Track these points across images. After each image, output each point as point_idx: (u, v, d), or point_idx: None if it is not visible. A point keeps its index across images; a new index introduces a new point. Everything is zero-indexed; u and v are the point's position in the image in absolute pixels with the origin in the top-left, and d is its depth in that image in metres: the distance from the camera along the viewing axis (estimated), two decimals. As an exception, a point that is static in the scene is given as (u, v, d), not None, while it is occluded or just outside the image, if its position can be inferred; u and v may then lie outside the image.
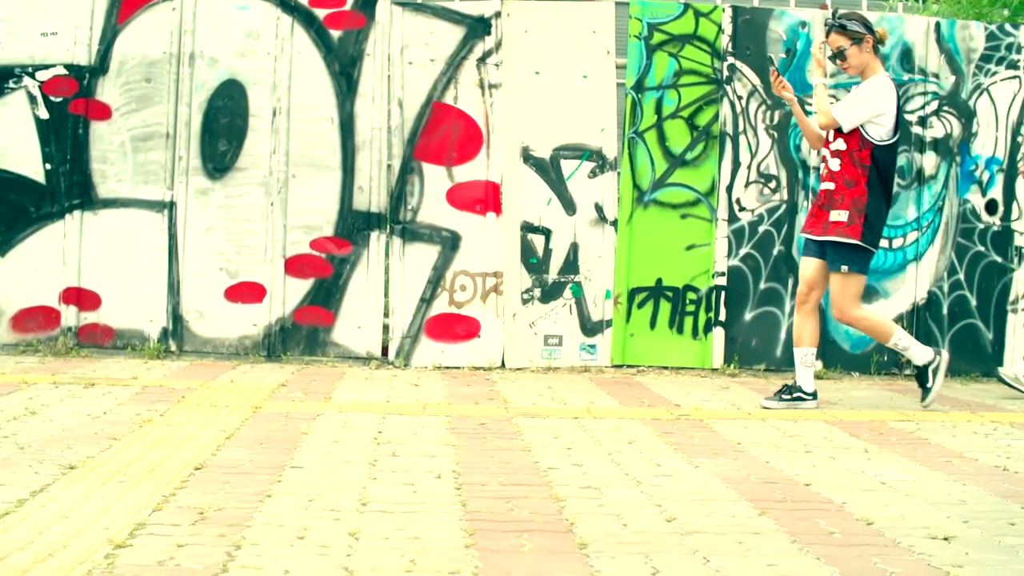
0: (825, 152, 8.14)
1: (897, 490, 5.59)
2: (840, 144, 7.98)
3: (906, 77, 9.98)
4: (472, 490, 5.25)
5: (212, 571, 3.91)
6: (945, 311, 10.05)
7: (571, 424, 7.19)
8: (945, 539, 4.65)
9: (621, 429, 7.06)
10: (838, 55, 8.03)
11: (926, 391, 8.20)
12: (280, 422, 6.89)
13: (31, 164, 9.73)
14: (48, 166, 9.73)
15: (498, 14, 9.85)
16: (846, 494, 5.45)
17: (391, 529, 4.51)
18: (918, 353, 8.19)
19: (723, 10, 10.02)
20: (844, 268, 7.98)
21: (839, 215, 7.93)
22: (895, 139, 8.01)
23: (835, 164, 8.00)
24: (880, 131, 7.91)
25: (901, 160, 9.81)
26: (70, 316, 9.72)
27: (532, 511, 4.89)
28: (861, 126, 7.91)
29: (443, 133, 9.81)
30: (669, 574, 4.08)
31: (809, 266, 8.19)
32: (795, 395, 8.11)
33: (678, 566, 4.17)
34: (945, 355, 8.22)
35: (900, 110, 8.06)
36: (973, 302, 10.06)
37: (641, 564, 4.17)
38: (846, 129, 7.91)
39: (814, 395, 8.13)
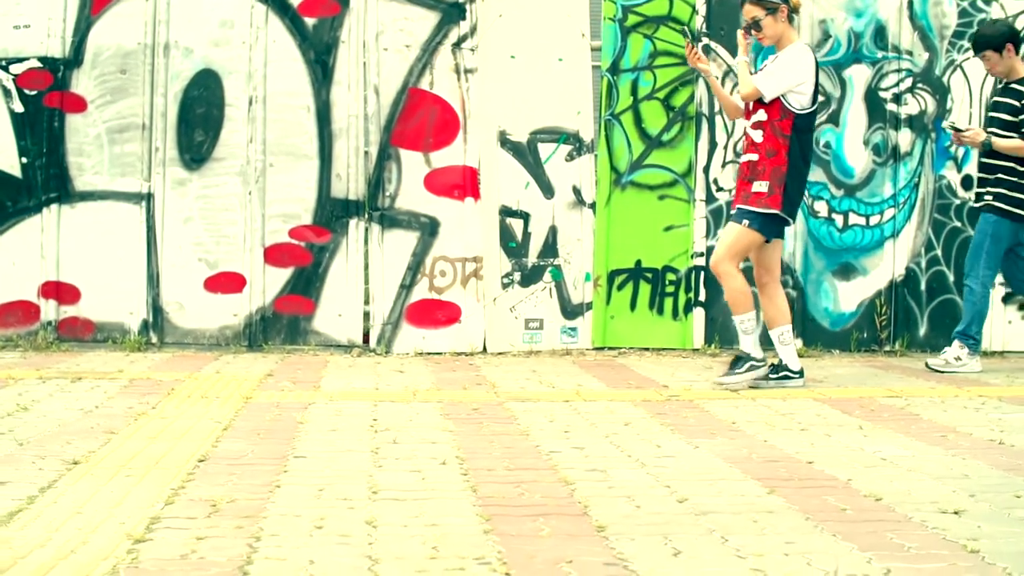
0: (746, 124, 8.12)
1: (899, 466, 5.61)
2: (761, 115, 7.96)
3: (880, 55, 10.03)
4: (480, 476, 5.25)
5: (236, 563, 3.89)
6: (923, 287, 10.11)
7: (563, 408, 7.20)
8: (955, 513, 4.68)
9: (614, 411, 7.08)
10: (753, 25, 8.01)
11: (730, 373, 8.11)
12: (274, 412, 6.88)
13: (7, 158, 9.69)
14: (24, 160, 9.69)
15: (472, -1, 9.85)
16: (850, 471, 5.47)
17: (407, 517, 4.51)
18: (750, 345, 8.11)
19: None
20: (746, 222, 7.95)
21: (760, 186, 7.91)
22: (815, 108, 8.03)
23: (757, 135, 7.98)
24: (801, 100, 7.91)
25: (877, 137, 9.88)
26: (50, 310, 9.68)
27: (544, 495, 4.90)
28: (782, 96, 7.89)
29: (420, 119, 9.81)
30: (691, 554, 4.09)
31: (757, 249, 8.17)
32: (781, 374, 8.11)
33: (698, 546, 4.18)
34: (767, 368, 8.13)
35: (818, 78, 8.05)
36: (951, 277, 10.11)
37: (661, 545, 4.18)
38: (768, 99, 7.87)
39: (800, 372, 8.14)
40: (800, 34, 9.76)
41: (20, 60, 9.70)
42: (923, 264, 10.03)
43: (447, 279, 9.80)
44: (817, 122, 8.61)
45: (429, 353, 9.71)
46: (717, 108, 9.90)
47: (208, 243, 9.73)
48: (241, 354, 9.52)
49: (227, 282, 9.73)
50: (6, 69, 9.67)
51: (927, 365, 9.09)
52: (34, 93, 9.69)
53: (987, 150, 9.00)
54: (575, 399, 7.56)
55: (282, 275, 9.77)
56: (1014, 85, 8.97)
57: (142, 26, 9.73)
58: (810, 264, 9.96)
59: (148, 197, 9.72)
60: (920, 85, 10.08)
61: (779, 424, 6.73)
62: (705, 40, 9.93)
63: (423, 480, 5.18)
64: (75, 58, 9.71)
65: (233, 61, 9.76)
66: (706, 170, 9.91)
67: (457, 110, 9.77)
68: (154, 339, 9.69)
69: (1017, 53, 9.01)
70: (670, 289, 9.98)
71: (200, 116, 9.76)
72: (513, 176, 9.85)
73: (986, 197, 9.01)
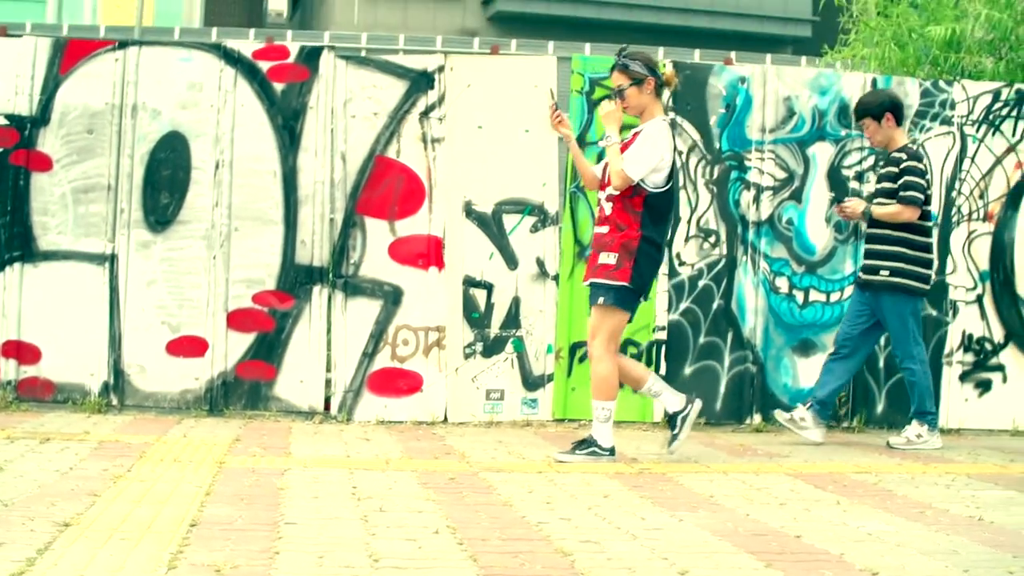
0: (600, 196, 8.12)
1: (886, 541, 5.66)
2: (613, 189, 7.96)
3: (843, 133, 10.15)
4: (476, 545, 5.25)
5: (255, 629, 3.88)
6: (882, 364, 10.21)
7: (539, 479, 7.21)
8: (955, 590, 4.73)
9: (591, 484, 7.09)
10: (618, 93, 8.07)
11: (674, 437, 8.16)
12: (251, 478, 6.85)
13: (-30, 216, 9.61)
14: (-13, 218, 9.61)
15: (441, 68, 9.91)
16: (839, 545, 5.52)
17: (414, 585, 4.51)
18: (671, 400, 8.18)
19: (664, 65, 10.12)
20: (600, 300, 7.92)
21: (608, 257, 7.88)
22: (669, 186, 8.01)
23: (608, 208, 7.97)
24: (656, 178, 7.90)
25: (838, 215, 9.97)
26: (10, 369, 9.59)
27: (544, 566, 4.91)
28: None
29: (386, 187, 9.83)
30: (707, 627, 4.11)
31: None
32: (589, 449, 8.01)
33: (711, 619, 4.20)
34: (697, 404, 8.21)
35: (676, 156, 8.11)
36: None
37: (675, 618, 4.19)
38: (635, 181, 7.84)
39: (611, 451, 8.03)
40: (765, 110, 9.93)
41: (-14, 117, 9.64)
42: (882, 341, 10.11)
43: (409, 348, 9.80)
44: (673, 201, 8.48)
45: (391, 421, 9.69)
46: (681, 183, 9.98)
47: (171, 306, 9.69)
48: (203, 418, 9.46)
49: (189, 346, 9.68)
50: (-29, 126, 9.61)
51: (888, 444, 9.18)
52: (0, 150, 9.62)
53: (869, 221, 9.18)
54: (548, 470, 7.57)
55: (244, 340, 9.73)
56: (894, 154, 9.16)
57: (110, 86, 9.71)
58: (770, 340, 10.04)
59: (112, 258, 9.67)
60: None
61: (756, 498, 6.76)
62: (671, 115, 10.00)
63: (420, 549, 5.17)
64: (42, 116, 9.66)
65: (201, 124, 9.75)
66: (669, 244, 9.96)
67: (423, 179, 9.80)
68: (115, 401, 9.62)
69: (898, 124, 9.20)
70: (631, 362, 10.00)
71: (166, 178, 9.73)
72: (477, 246, 9.89)
73: (880, 272, 9.12)
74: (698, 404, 8.24)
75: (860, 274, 9.39)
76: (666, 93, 8.37)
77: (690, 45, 20.59)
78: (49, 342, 9.65)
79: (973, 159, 10.34)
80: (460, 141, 9.86)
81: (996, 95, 10.39)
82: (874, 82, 10.29)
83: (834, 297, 10.16)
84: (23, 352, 9.62)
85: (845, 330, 9.36)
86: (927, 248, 9.26)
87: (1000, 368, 10.35)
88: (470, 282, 9.89)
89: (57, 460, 7.20)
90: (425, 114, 9.84)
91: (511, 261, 9.90)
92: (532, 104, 9.81)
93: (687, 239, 10.06)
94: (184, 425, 9.05)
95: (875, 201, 9.21)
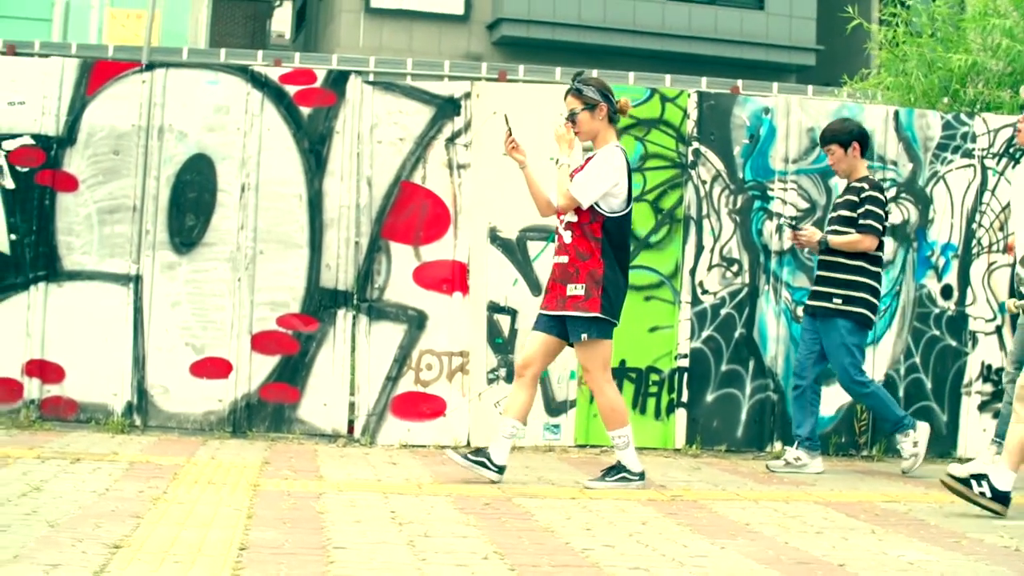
0: (558, 225, 8.12)
1: (929, 570, 5.68)
2: (572, 216, 7.92)
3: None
4: (527, 571, 5.27)
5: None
6: (901, 393, 10.24)
7: (573, 505, 7.23)
8: (1010, 621, 4.75)
9: (625, 511, 7.11)
10: (570, 117, 8.09)
11: (602, 480, 8.05)
12: (288, 501, 6.86)
13: (-5, 235, 9.63)
14: (13, 236, 9.64)
15: (468, 95, 9.95)
16: (884, 573, 5.54)
17: (477, 610, 4.52)
18: (628, 458, 8.07)
19: (688, 95, 10.20)
20: (584, 336, 7.93)
21: (576, 289, 7.89)
22: (627, 210, 8.03)
23: (567, 236, 7.97)
24: (612, 203, 7.93)
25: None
26: (33, 389, 9.60)
27: (601, 593, 4.93)
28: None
29: (411, 212, 9.86)
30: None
31: (534, 341, 8.14)
32: (479, 460, 8.01)
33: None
34: (645, 482, 8.08)
35: (631, 181, 8.10)
36: (928, 385, 10.27)
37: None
38: (585, 206, 7.87)
39: (501, 470, 8.00)
40: (788, 140, 9.98)
41: (13, 136, 9.68)
42: (902, 371, 10.18)
43: (433, 372, 9.82)
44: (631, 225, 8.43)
45: (413, 445, 9.70)
46: (705, 212, 10.03)
47: (195, 328, 9.71)
48: (226, 440, 9.47)
49: (213, 367, 9.70)
50: (-1, 145, 9.65)
51: (768, 466, 9.29)
52: (26, 170, 9.67)
53: (825, 249, 9.18)
54: (580, 496, 7.59)
55: (268, 362, 9.76)
56: (855, 184, 9.20)
57: (137, 108, 9.75)
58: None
59: (136, 279, 9.69)
60: (904, 195, 10.28)
61: (792, 526, 6.78)
62: (696, 144, 10.06)
63: (473, 574, 5.18)
64: (68, 137, 9.70)
65: (227, 147, 9.79)
66: (692, 272, 10.02)
67: (448, 205, 9.84)
68: (138, 421, 9.63)
69: (863, 155, 9.24)
70: (653, 389, 10.05)
71: (192, 200, 9.77)
72: (502, 272, 9.92)
73: (833, 300, 9.14)
74: (644, 483, 8.09)
75: (809, 301, 9.41)
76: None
77: (695, 73, 20.69)
78: (73, 362, 9.66)
79: (993, 192, 10.40)
80: (485, 167, 9.90)
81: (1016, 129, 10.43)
82: (896, 115, 10.35)
83: (855, 326, 10.17)
84: (47, 371, 9.63)
85: (800, 361, 9.39)
86: (879, 279, 9.27)
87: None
88: (494, 308, 9.92)
89: (91, 481, 7.21)
90: (451, 140, 9.88)
91: (535, 287, 9.92)
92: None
93: (710, 268, 10.10)
94: (210, 447, 9.06)
95: (829, 229, 9.23)
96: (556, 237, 8.17)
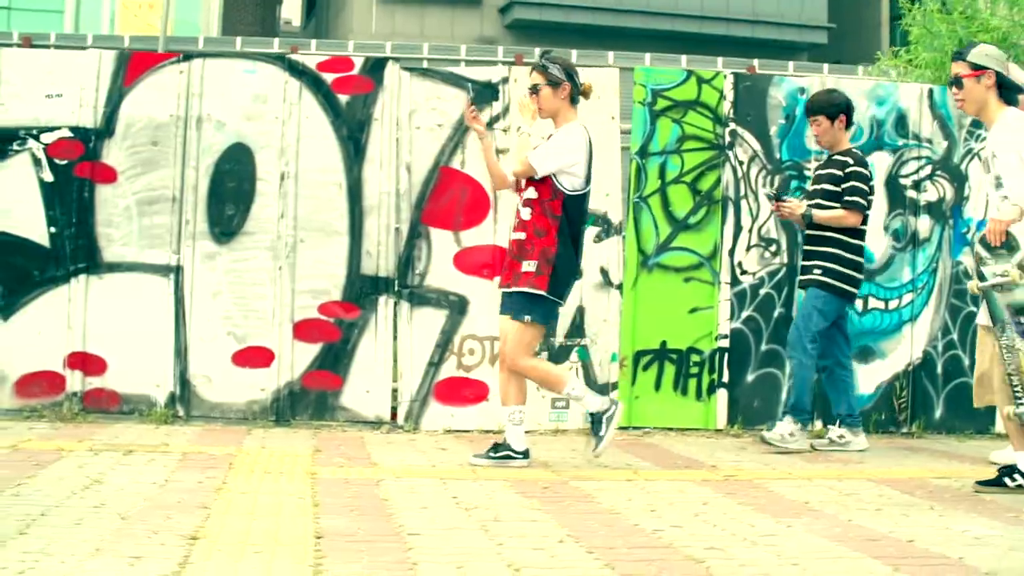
0: (518, 201, 8.12)
1: (997, 544, 5.70)
2: (532, 193, 7.95)
3: (901, 142, 10.21)
4: (605, 554, 5.28)
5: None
6: (940, 370, 10.26)
7: (631, 487, 7.25)
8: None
9: (684, 491, 7.13)
10: (532, 90, 8.10)
11: (599, 439, 7.99)
12: (349, 489, 6.88)
13: (36, 227, 9.65)
14: (53, 229, 9.66)
15: (505, 80, 9.96)
16: (954, 549, 5.55)
17: (567, 594, 4.54)
18: (593, 401, 8.07)
19: (724, 77, 10.21)
20: (527, 318, 7.92)
21: (529, 265, 7.89)
22: (587, 190, 8.05)
23: (526, 213, 7.98)
24: (573, 181, 7.95)
25: (896, 223, 10.05)
26: (75, 381, 9.62)
27: (683, 573, 4.95)
28: (554, 176, 7.92)
29: (450, 198, 9.88)
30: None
31: (503, 324, 8.16)
32: (502, 453, 8.01)
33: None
34: (620, 406, 8.10)
35: (592, 159, 8.09)
36: (966, 361, 10.26)
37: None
38: (540, 175, 7.87)
39: (525, 454, 8.02)
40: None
41: (51, 129, 9.69)
42: (940, 348, 10.20)
43: (475, 357, 9.84)
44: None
45: (457, 431, 9.71)
46: (743, 192, 10.04)
47: (237, 317, 9.73)
48: (270, 429, 9.49)
49: (255, 356, 9.72)
50: (37, 138, 9.66)
51: (762, 438, 9.17)
52: (64, 163, 9.68)
53: (809, 223, 9.17)
54: (636, 478, 7.61)
55: (311, 350, 9.77)
56: (838, 156, 9.20)
57: (175, 98, 9.76)
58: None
59: (177, 269, 9.71)
60: (939, 172, 10.29)
61: (851, 504, 6.80)
62: (732, 125, 10.06)
63: (553, 558, 5.21)
64: (106, 128, 9.71)
65: (265, 136, 9.80)
66: (731, 253, 10.04)
67: (488, 190, 9.83)
68: (181, 412, 9.65)
69: (848, 127, 9.24)
70: (694, 370, 10.07)
71: (231, 190, 9.78)
72: (541, 256, 9.91)
73: (814, 271, 9.14)
74: (621, 406, 8.13)
75: (799, 276, 9.44)
76: (583, 102, 8.30)
77: (709, 52, 20.69)
78: (114, 353, 9.68)
79: (1030, 167, 10.36)
80: (524, 151, 9.87)
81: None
82: (930, 92, 10.35)
83: (892, 304, 10.22)
84: (89, 364, 9.65)
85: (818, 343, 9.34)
86: (860, 252, 9.24)
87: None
88: (534, 291, 9.91)
89: (149, 472, 7.23)
90: (489, 125, 9.85)
91: (574, 271, 9.91)
92: (595, 115, 9.83)
93: (748, 248, 10.11)
94: (255, 436, 9.07)
95: (814, 202, 9.22)
96: (515, 213, 8.16)
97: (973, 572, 5.10)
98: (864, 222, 9.19)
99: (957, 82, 7.42)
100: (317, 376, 9.76)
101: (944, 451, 9.32)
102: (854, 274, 9.17)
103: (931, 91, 10.38)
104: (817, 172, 9.47)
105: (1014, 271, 6.82)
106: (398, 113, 9.86)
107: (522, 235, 8.00)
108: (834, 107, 9.21)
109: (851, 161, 9.14)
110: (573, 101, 8.15)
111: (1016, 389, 6.98)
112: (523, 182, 8.06)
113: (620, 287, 10.01)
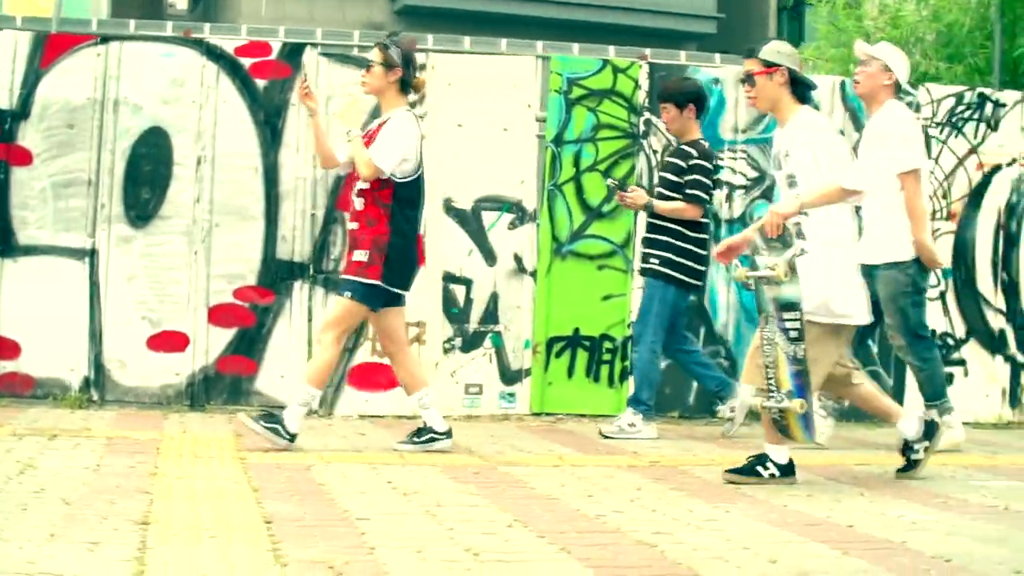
0: (352, 192, 8.11)
1: (935, 529, 5.82)
2: (363, 183, 7.90)
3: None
4: (557, 538, 5.32)
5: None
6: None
7: (561, 473, 7.32)
8: (1033, 575, 4.90)
9: (614, 477, 7.23)
10: (367, 66, 8.15)
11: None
12: (283, 473, 6.89)
13: (-51, 209, 9.52)
14: (-34, 212, 9.52)
15: (423, 67, 9.94)
16: (895, 533, 5.66)
17: (533, 580, 4.60)
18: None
19: (640, 66, 10.30)
20: (347, 294, 7.89)
21: (360, 255, 7.86)
22: (418, 174, 8.03)
23: (359, 203, 7.94)
24: (406, 167, 7.90)
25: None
26: (-11, 365, 9.51)
27: (640, 557, 5.01)
28: None
29: (366, 183, 9.85)
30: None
31: (374, 319, 8.25)
32: (426, 436, 8.06)
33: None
34: (451, 441, 8.10)
35: (421, 145, 8.08)
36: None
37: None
38: (387, 173, 7.84)
39: (448, 433, 8.07)
40: (737, 111, 10.13)
41: (-35, 111, 9.56)
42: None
43: (390, 343, 9.84)
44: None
45: (372, 416, 9.74)
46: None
47: (152, 301, 9.68)
48: (185, 413, 9.46)
49: (170, 341, 9.68)
50: (-49, 120, 9.52)
51: (600, 432, 9.19)
52: (-21, 145, 9.55)
53: (650, 213, 9.25)
54: (562, 464, 7.69)
55: (225, 335, 9.75)
56: (684, 146, 9.26)
57: (91, 81, 9.68)
58: (741, 335, 10.24)
59: (92, 253, 9.64)
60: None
61: (782, 490, 6.87)
62: (647, 115, 10.17)
63: (507, 542, 5.25)
64: (22, 111, 9.61)
65: (182, 119, 9.75)
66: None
67: (404, 176, 9.82)
68: (95, 396, 9.58)
69: (698, 116, 9.31)
70: (607, 357, 10.18)
71: (147, 173, 9.72)
72: (457, 243, 10.00)
73: (652, 261, 9.22)
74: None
75: (640, 264, 9.51)
76: (412, 96, 8.33)
77: (600, 40, 20.69)
78: (29, 337, 9.60)
79: (937, 160, 10.61)
80: (440, 139, 9.92)
81: (959, 98, 10.71)
82: (843, 85, 10.52)
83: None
84: (2, 347, 9.55)
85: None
86: (701, 244, 9.27)
87: (962, 363, 10.68)
88: (449, 278, 9.99)
89: (78, 457, 7.19)
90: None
91: (489, 257, 10.00)
92: (511, 103, 9.94)
93: (662, 236, 10.18)
94: (173, 420, 9.06)
95: (656, 192, 9.32)
96: (350, 205, 8.13)
97: (919, 556, 5.21)
98: (705, 215, 9.27)
99: (749, 79, 7.40)
100: (232, 361, 9.75)
101: (854, 439, 9.48)
102: (694, 265, 9.19)
103: (843, 83, 10.55)
104: (665, 159, 9.57)
105: (781, 267, 6.77)
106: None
107: (355, 225, 7.97)
108: (683, 95, 9.22)
109: (695, 153, 9.16)
110: (404, 89, 8.09)
111: (771, 382, 6.98)
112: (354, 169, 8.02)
113: (534, 274, 10.10)
